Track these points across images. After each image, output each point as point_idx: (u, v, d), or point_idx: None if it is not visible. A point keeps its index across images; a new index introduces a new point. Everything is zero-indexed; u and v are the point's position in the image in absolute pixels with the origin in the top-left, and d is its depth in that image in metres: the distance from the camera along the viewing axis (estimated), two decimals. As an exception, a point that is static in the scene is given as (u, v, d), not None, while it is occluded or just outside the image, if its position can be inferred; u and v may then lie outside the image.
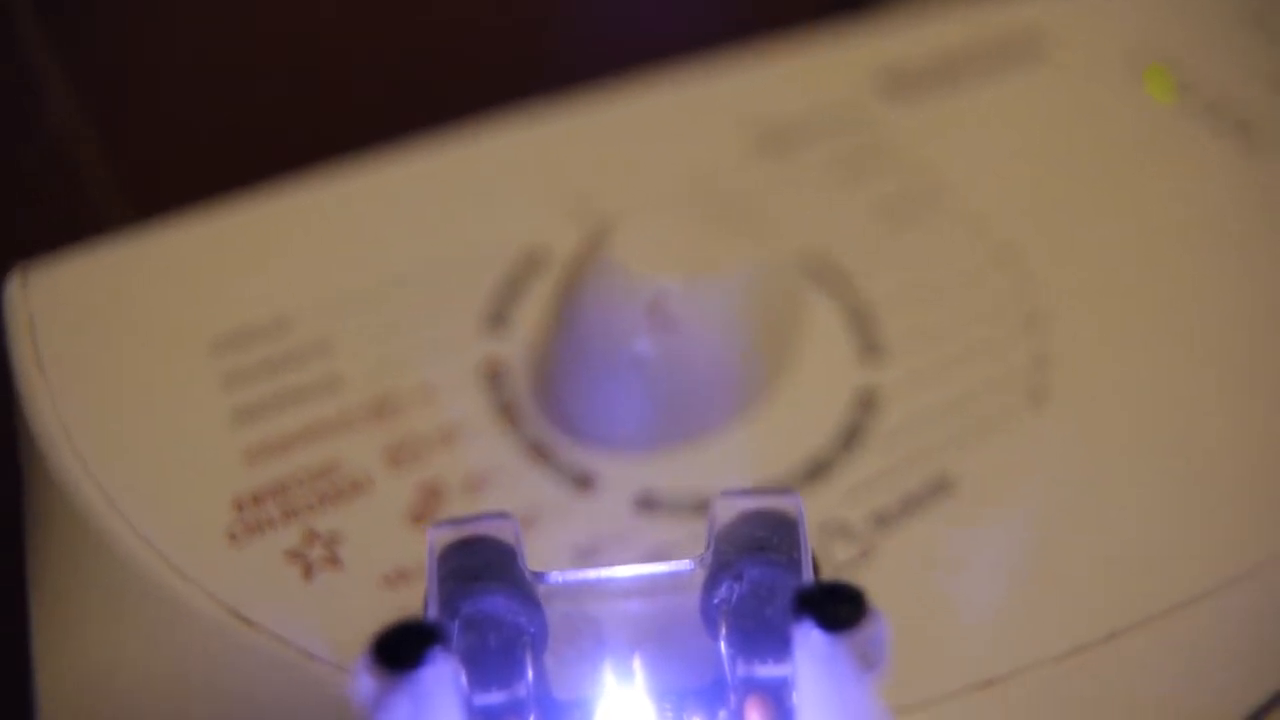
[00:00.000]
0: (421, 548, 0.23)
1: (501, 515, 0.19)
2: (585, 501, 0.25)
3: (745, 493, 0.19)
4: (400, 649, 0.16)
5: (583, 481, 0.25)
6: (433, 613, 0.18)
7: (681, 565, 0.19)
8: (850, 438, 0.26)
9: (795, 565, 0.18)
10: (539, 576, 0.19)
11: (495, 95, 0.33)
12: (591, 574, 0.19)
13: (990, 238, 0.30)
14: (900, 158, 0.32)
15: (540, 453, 0.26)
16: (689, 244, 0.26)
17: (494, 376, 0.27)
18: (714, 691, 0.19)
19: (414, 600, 0.22)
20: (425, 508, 0.25)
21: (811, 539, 0.19)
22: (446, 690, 0.17)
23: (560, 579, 0.19)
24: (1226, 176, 0.31)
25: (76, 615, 0.24)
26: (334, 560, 0.24)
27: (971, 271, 0.29)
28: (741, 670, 0.18)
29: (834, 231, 0.30)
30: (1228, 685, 0.23)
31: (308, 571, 0.24)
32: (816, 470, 0.26)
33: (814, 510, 0.25)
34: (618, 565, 0.20)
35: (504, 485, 0.25)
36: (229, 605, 0.23)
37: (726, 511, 0.19)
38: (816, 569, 0.19)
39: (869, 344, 0.28)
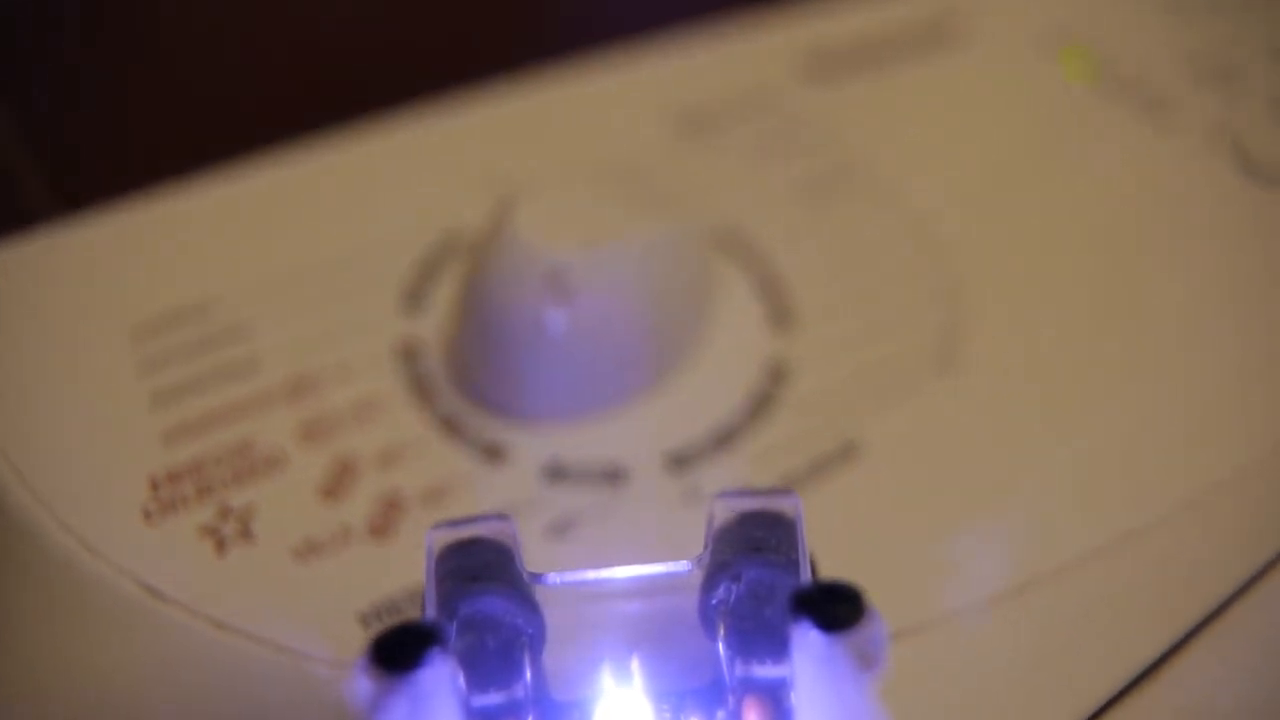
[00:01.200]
0: (332, 519, 0.24)
1: (500, 517, 0.19)
2: (495, 472, 0.25)
3: (743, 493, 0.19)
4: (398, 650, 0.16)
5: (492, 453, 0.26)
6: (431, 614, 0.18)
7: (679, 566, 0.19)
8: (759, 406, 0.27)
9: (793, 566, 0.18)
10: (537, 577, 0.19)
11: (409, 92, 0.33)
12: (590, 575, 0.19)
13: (904, 215, 0.30)
14: (819, 139, 0.32)
15: (452, 426, 0.26)
16: (589, 217, 0.26)
17: (409, 355, 0.27)
18: (712, 692, 0.19)
19: (325, 573, 0.24)
20: (337, 482, 0.25)
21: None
22: (445, 691, 0.17)
23: (558, 580, 0.19)
24: (1139, 154, 0.32)
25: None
26: (246, 534, 0.24)
27: (885, 246, 0.30)
28: (740, 671, 0.18)
29: (750, 208, 0.30)
30: (1129, 637, 0.23)
31: (220, 546, 0.24)
32: (724, 438, 0.26)
33: (720, 477, 0.25)
34: (617, 567, 0.20)
35: (416, 459, 0.25)
36: (143, 581, 0.23)
37: (724, 512, 0.19)
38: (814, 569, 0.19)
39: (781, 315, 0.28)
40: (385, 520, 0.24)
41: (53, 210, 0.31)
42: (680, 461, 0.26)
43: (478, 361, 0.26)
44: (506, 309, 0.26)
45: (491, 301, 0.26)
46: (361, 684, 0.16)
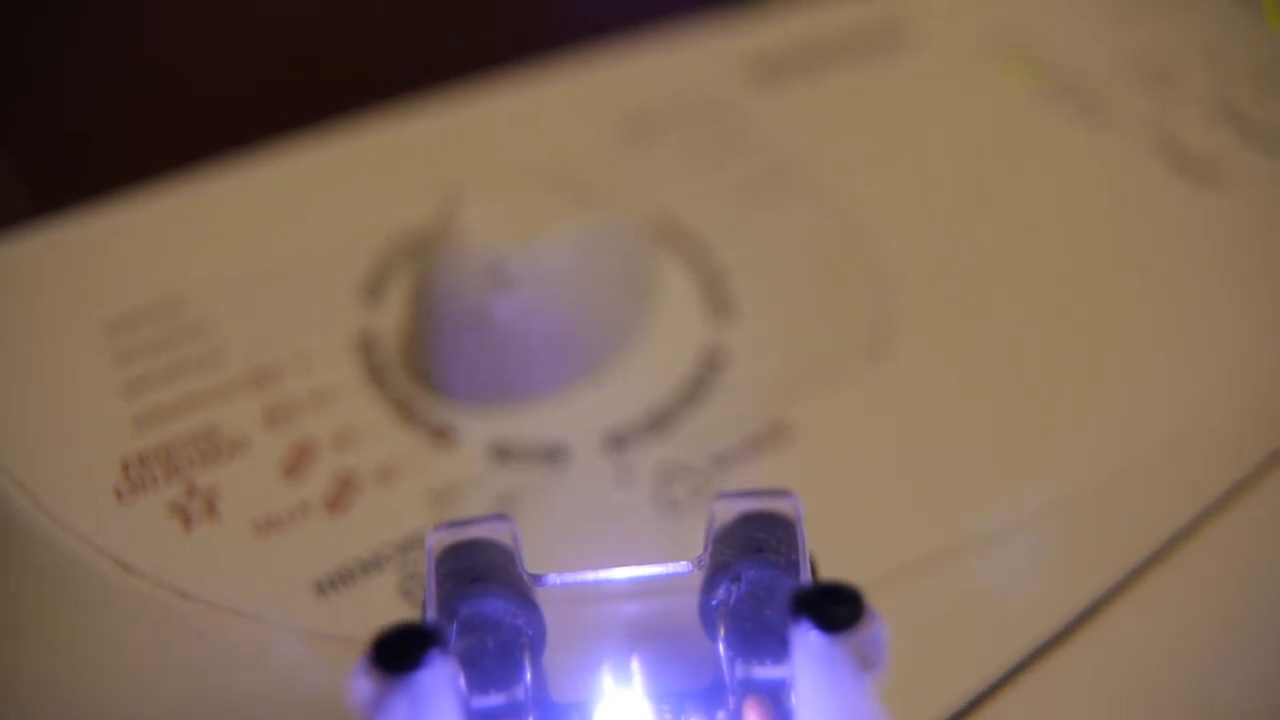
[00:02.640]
0: (290, 497, 0.26)
1: (500, 518, 0.19)
2: (443, 452, 0.26)
3: (743, 494, 0.19)
4: (399, 651, 0.16)
5: (440, 434, 0.27)
6: (431, 615, 0.18)
7: (679, 567, 0.19)
8: (694, 390, 0.28)
9: (793, 566, 0.18)
10: (537, 579, 0.19)
11: (363, 98, 0.34)
12: (590, 576, 0.19)
13: (843, 214, 0.31)
14: (762, 141, 0.33)
15: (403, 410, 0.27)
16: (529, 213, 0.27)
17: (366, 345, 0.28)
18: (712, 693, 0.19)
19: (284, 546, 0.25)
20: (296, 462, 0.26)
21: (662, 484, 0.19)
22: (445, 692, 0.17)
23: (558, 581, 0.19)
24: (1076, 154, 0.32)
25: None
26: (212, 511, 0.25)
27: (822, 243, 0.31)
28: (740, 671, 0.18)
29: (691, 206, 0.31)
30: (1045, 604, 0.24)
31: (187, 523, 0.25)
32: (658, 420, 0.27)
33: (653, 456, 0.26)
34: (617, 567, 0.19)
35: (369, 440, 0.27)
36: (114, 556, 0.24)
37: (724, 513, 0.19)
38: (815, 570, 0.19)
39: (718, 306, 0.29)
40: (340, 497, 0.26)
41: (26, 213, 0.32)
42: (618, 441, 0.27)
43: (428, 349, 0.28)
44: (452, 299, 0.27)
45: (438, 292, 0.27)
46: (362, 685, 0.16)
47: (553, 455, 0.26)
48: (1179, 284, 0.30)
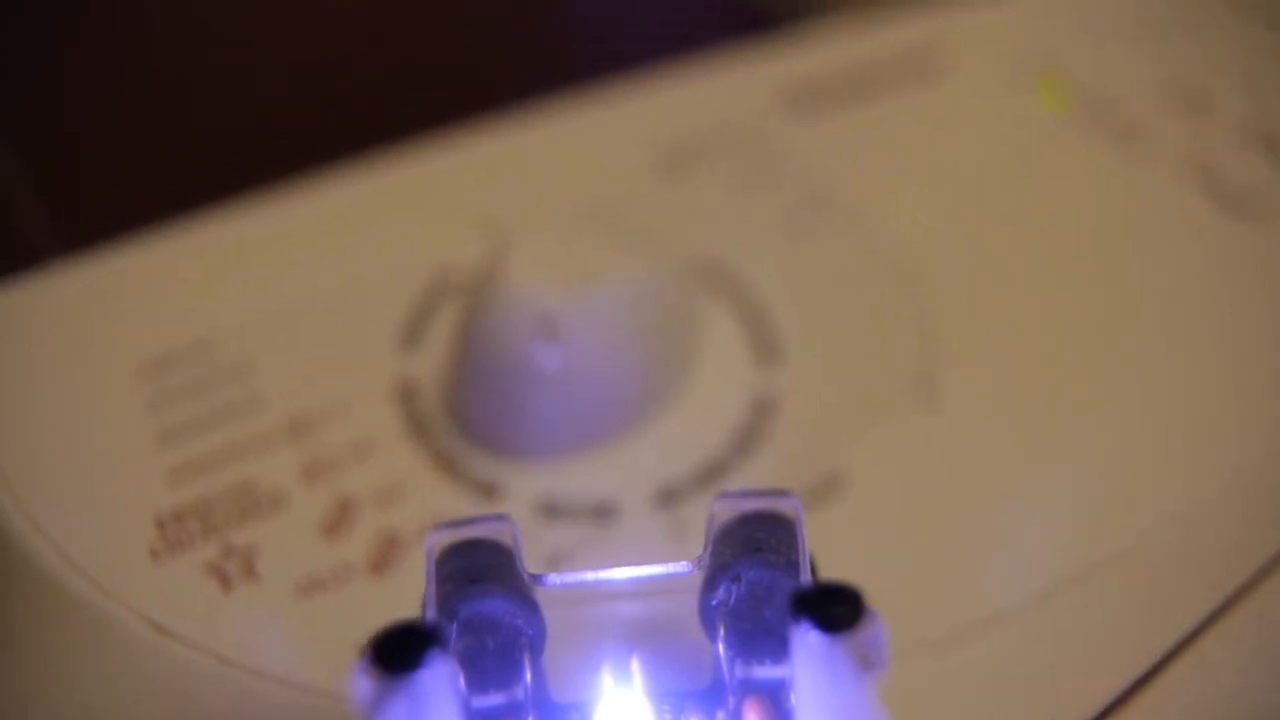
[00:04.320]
0: (332, 557, 0.25)
1: (499, 518, 0.19)
2: (490, 509, 0.26)
3: (743, 494, 0.19)
4: (398, 651, 0.16)
5: (487, 490, 0.26)
6: (431, 615, 0.18)
7: (679, 567, 0.19)
8: (744, 441, 0.27)
9: (793, 567, 0.18)
10: (537, 579, 0.19)
11: (401, 130, 0.34)
12: (589, 576, 0.19)
13: (884, 247, 0.31)
14: (801, 172, 0.33)
15: (447, 464, 0.27)
16: (577, 259, 0.27)
17: (406, 394, 0.28)
18: (712, 693, 0.19)
19: (326, 608, 0.24)
20: (337, 520, 0.26)
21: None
22: (445, 693, 0.17)
23: (558, 581, 0.19)
24: (1111, 184, 0.32)
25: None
26: (251, 572, 0.25)
27: (865, 279, 0.30)
28: (740, 672, 0.18)
29: (733, 242, 0.31)
30: (1112, 658, 0.24)
31: (226, 584, 0.25)
32: (712, 473, 0.26)
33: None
34: (617, 568, 0.20)
35: (412, 496, 0.26)
36: (151, 619, 0.24)
37: (724, 513, 0.19)
38: (815, 570, 0.19)
39: (765, 349, 0.29)
40: (384, 557, 0.25)
41: (55, 248, 0.32)
42: (669, 496, 0.26)
43: (473, 402, 0.27)
44: (499, 352, 0.26)
45: (484, 345, 0.27)
46: (361, 685, 0.16)
47: (602, 512, 0.26)
48: (1227, 321, 0.29)
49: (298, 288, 0.30)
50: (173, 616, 0.24)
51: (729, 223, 0.31)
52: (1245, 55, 0.35)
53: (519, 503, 0.26)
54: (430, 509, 0.26)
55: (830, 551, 0.24)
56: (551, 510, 0.26)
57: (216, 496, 0.26)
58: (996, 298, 0.30)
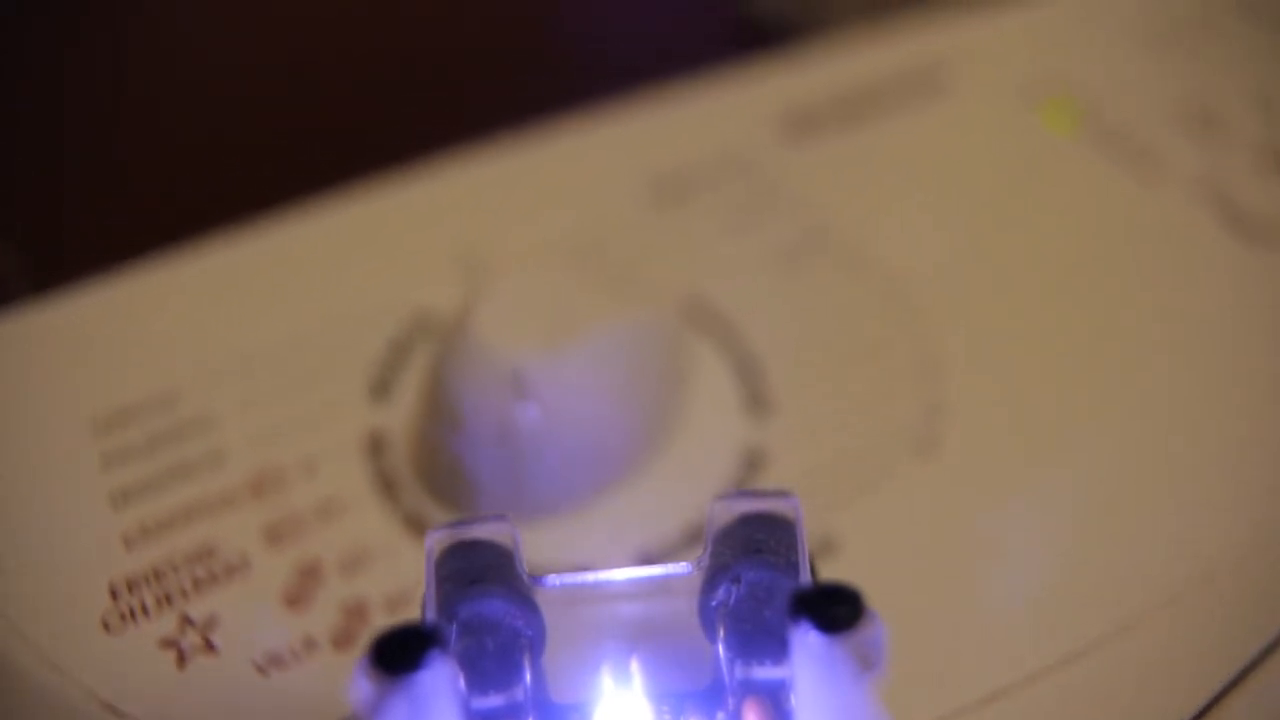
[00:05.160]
0: (294, 630, 0.23)
1: (499, 518, 0.19)
2: None
3: (742, 495, 0.19)
4: (398, 652, 0.16)
5: None
6: (430, 616, 0.18)
7: (679, 568, 0.19)
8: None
9: (793, 567, 0.18)
10: (537, 580, 0.19)
11: (373, 161, 0.33)
12: (589, 577, 0.19)
13: (884, 282, 0.30)
14: (797, 202, 0.32)
15: (417, 527, 0.25)
16: (552, 310, 0.26)
17: (376, 447, 0.27)
18: (712, 694, 0.19)
19: (287, 685, 0.23)
20: (301, 589, 0.24)
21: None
22: (444, 694, 0.17)
23: (558, 582, 0.19)
24: (1124, 209, 0.31)
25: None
26: (208, 647, 0.23)
27: (863, 317, 0.29)
28: (739, 672, 0.18)
29: (723, 280, 0.30)
30: None
31: (181, 660, 0.23)
32: (695, 535, 0.25)
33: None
34: (616, 569, 0.20)
35: (381, 561, 0.25)
36: (102, 698, 0.23)
37: (724, 514, 0.19)
38: (814, 571, 0.19)
39: (755, 398, 0.27)
40: (349, 630, 0.24)
41: (22, 291, 0.30)
42: (652, 560, 0.25)
43: (444, 460, 0.26)
44: (473, 410, 0.25)
45: (457, 401, 0.25)
46: (361, 686, 0.16)
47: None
48: (1245, 355, 0.28)
49: (265, 332, 0.29)
50: (125, 695, 0.23)
51: (719, 259, 0.30)
52: (1260, 74, 0.34)
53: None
54: (398, 576, 0.25)
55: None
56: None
57: (173, 562, 0.25)
58: (1002, 334, 0.29)
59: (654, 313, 0.28)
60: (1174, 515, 0.25)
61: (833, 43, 0.36)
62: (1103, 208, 0.31)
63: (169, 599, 0.24)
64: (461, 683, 0.18)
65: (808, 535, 0.19)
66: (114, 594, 0.24)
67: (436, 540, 0.19)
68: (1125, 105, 0.34)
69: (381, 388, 0.28)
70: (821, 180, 0.32)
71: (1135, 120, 0.33)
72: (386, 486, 0.26)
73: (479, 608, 0.18)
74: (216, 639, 0.24)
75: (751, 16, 0.47)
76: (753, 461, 0.26)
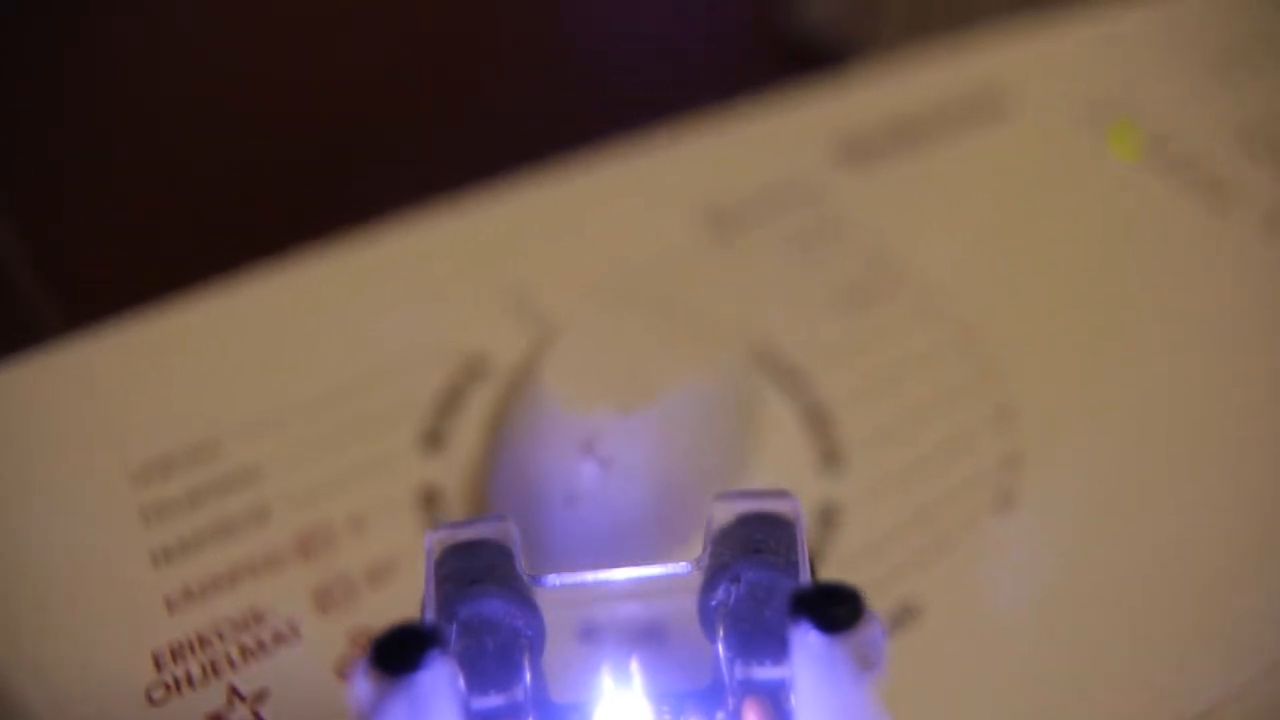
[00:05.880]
0: (346, 702, 0.21)
1: (499, 518, 0.19)
2: None
3: (742, 495, 0.19)
4: (398, 652, 0.16)
5: None
6: (430, 616, 0.18)
7: (679, 568, 0.19)
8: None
9: (793, 567, 0.18)
10: (536, 580, 0.19)
11: (421, 191, 0.31)
12: (589, 577, 0.19)
13: (953, 319, 0.29)
14: (859, 233, 0.30)
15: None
16: (625, 368, 0.24)
17: (429, 502, 0.25)
18: (712, 694, 0.19)
19: None
20: (353, 661, 0.23)
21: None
22: (444, 693, 0.17)
23: (558, 582, 0.19)
24: (1195, 237, 0.30)
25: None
26: None
27: (934, 359, 0.28)
28: (739, 672, 0.18)
29: (787, 321, 0.28)
30: None
31: None
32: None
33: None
34: (616, 569, 0.20)
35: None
36: None
37: (724, 514, 0.19)
38: (814, 570, 0.19)
39: (827, 452, 0.26)
40: None
41: (57, 329, 0.29)
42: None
43: None
44: (539, 473, 0.24)
45: (521, 463, 0.24)
46: (361, 686, 0.16)
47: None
48: None
49: (308, 376, 0.27)
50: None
51: (782, 297, 0.29)
52: None
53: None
54: None
55: (908, 687, 0.22)
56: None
57: (219, 628, 0.23)
58: (1078, 376, 0.27)
59: (726, 366, 0.26)
60: (1274, 576, 0.24)
61: (888, 64, 0.35)
62: (1172, 233, 0.30)
63: (215, 669, 0.23)
64: (461, 683, 0.18)
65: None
66: (158, 663, 0.23)
67: (436, 540, 0.19)
68: (1193, 128, 0.33)
69: (433, 438, 0.26)
70: (883, 209, 0.31)
71: (1203, 145, 0.32)
72: None
73: (479, 608, 0.18)
74: (266, 713, 0.22)
75: (800, 36, 0.47)
76: (827, 519, 0.25)
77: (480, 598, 0.18)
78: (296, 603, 0.24)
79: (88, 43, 0.46)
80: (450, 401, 0.27)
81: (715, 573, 0.19)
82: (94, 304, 0.29)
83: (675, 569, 0.19)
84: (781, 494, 0.19)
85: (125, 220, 0.41)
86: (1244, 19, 0.36)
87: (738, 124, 0.33)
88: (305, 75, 0.45)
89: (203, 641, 0.23)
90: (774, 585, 0.18)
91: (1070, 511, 0.25)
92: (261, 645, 0.23)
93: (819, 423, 0.27)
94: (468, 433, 0.26)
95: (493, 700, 0.18)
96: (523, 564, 0.19)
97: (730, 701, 0.18)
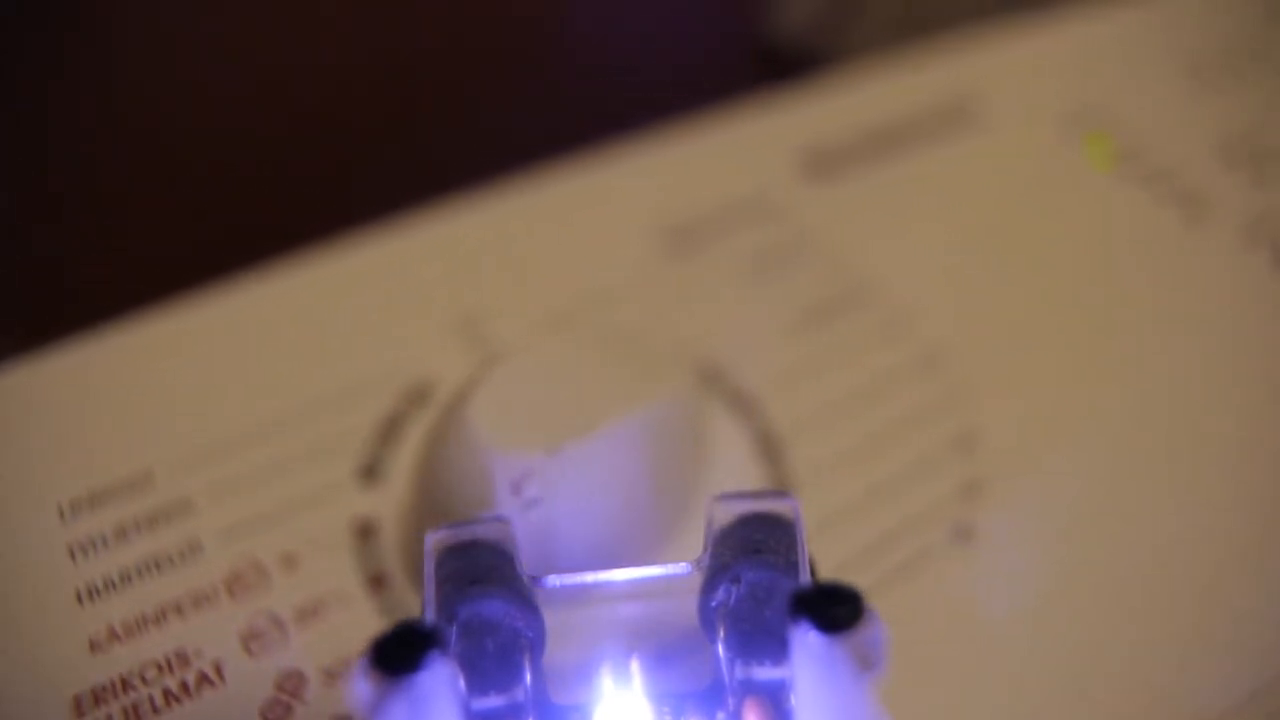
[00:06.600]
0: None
1: (499, 518, 0.19)
2: None
3: (742, 495, 0.19)
4: (398, 653, 0.16)
5: None
6: (430, 617, 0.18)
7: (679, 568, 0.19)
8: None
9: (792, 567, 0.19)
10: (537, 580, 0.19)
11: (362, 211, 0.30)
12: (589, 578, 0.20)
13: (916, 339, 0.27)
14: (822, 249, 0.29)
15: None
16: (558, 402, 0.23)
17: (364, 534, 0.24)
18: (712, 694, 0.19)
19: None
20: (279, 707, 0.22)
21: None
22: (444, 694, 0.17)
23: (558, 583, 0.19)
24: (1171, 251, 0.29)
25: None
26: None
27: (894, 383, 0.27)
28: (739, 672, 0.18)
29: (744, 345, 0.27)
30: None
31: None
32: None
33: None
34: (616, 569, 0.20)
35: None
36: None
37: (724, 514, 0.19)
38: (814, 571, 0.19)
39: (778, 480, 0.25)
40: None
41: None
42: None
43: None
44: (467, 512, 0.23)
45: (449, 501, 0.23)
46: (361, 687, 0.16)
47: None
48: None
49: (253, 406, 0.26)
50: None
51: (738, 318, 0.28)
52: None
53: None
54: None
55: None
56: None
57: (143, 674, 0.22)
58: (1045, 398, 0.26)
59: (669, 396, 0.24)
60: (1231, 608, 0.23)
61: (858, 72, 0.34)
62: (1151, 253, 0.29)
63: (137, 713, 0.22)
64: (461, 683, 0.18)
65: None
66: (79, 707, 0.22)
67: (437, 541, 0.19)
68: (1170, 138, 0.32)
69: (371, 469, 0.25)
70: (848, 224, 0.30)
71: (1180, 155, 0.31)
72: (375, 582, 0.24)
73: (479, 608, 0.18)
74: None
75: (778, 44, 0.45)
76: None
77: (480, 598, 0.18)
78: (223, 644, 0.23)
79: (87, 43, 0.46)
80: (390, 431, 0.26)
81: (715, 573, 0.19)
82: (88, 311, 0.28)
83: (675, 569, 0.19)
84: (781, 494, 0.19)
85: (121, 223, 0.41)
86: (1224, 25, 0.35)
87: (700, 136, 0.32)
88: (306, 75, 0.45)
89: (126, 685, 0.22)
90: (774, 585, 0.18)
91: (1031, 539, 0.24)
92: (185, 688, 0.22)
93: (771, 450, 0.26)
94: (406, 464, 0.25)
95: (493, 701, 0.18)
96: (522, 564, 0.19)
97: (730, 702, 0.18)
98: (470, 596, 0.18)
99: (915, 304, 0.28)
